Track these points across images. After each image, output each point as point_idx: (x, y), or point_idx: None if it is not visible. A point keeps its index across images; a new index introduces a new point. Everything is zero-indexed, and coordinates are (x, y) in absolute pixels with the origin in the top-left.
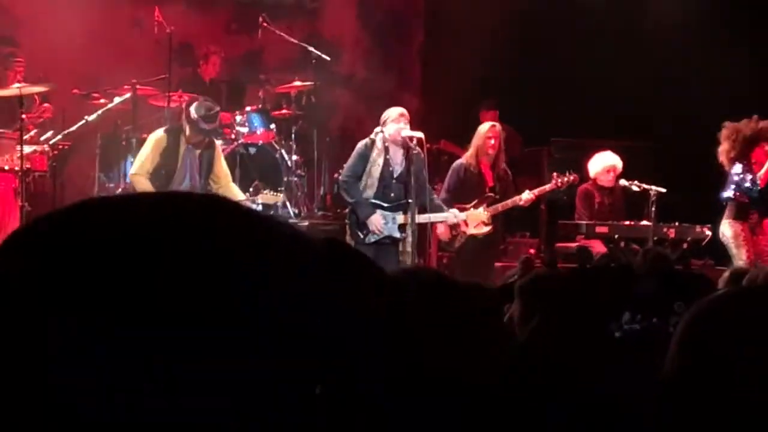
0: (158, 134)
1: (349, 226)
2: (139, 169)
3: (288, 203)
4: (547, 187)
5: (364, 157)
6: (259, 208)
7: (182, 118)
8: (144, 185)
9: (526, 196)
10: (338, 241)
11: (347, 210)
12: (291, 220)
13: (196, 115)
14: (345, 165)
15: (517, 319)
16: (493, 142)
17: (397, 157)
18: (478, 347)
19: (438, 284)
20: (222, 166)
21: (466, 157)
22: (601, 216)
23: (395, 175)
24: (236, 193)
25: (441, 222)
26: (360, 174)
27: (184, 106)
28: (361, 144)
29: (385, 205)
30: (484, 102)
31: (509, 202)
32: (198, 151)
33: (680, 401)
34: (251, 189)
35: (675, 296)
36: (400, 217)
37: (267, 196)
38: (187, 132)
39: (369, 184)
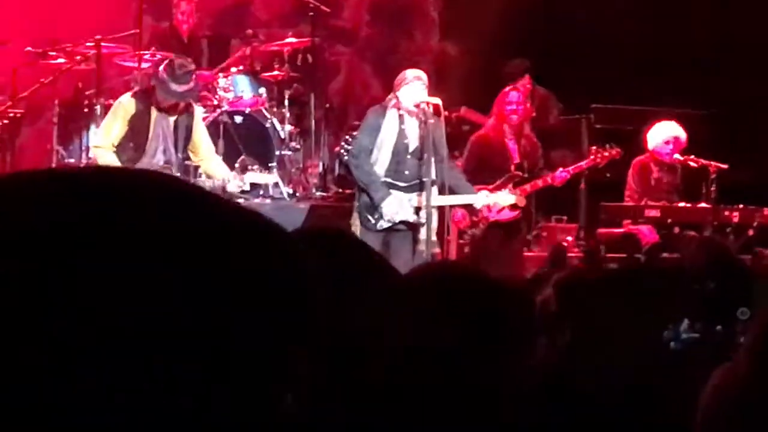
0: (125, 99)
1: (358, 209)
2: (103, 141)
3: (281, 182)
4: (584, 163)
5: (376, 127)
6: (247, 187)
7: (154, 83)
8: (109, 159)
9: (560, 174)
10: (341, 233)
11: (355, 189)
12: (284, 202)
13: (165, 75)
14: (353, 137)
15: (553, 321)
16: (513, 107)
17: (413, 128)
18: (508, 351)
19: (466, 281)
20: (202, 136)
21: (487, 129)
22: (657, 196)
23: (410, 150)
24: (219, 170)
25: (464, 206)
26: (371, 148)
27: (153, 66)
28: (371, 112)
29: (399, 184)
30: (511, 66)
31: (539, 182)
32: (172, 119)
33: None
34: (237, 165)
35: (739, 299)
36: (415, 199)
37: (256, 175)
38: (158, 96)
39: (380, 160)
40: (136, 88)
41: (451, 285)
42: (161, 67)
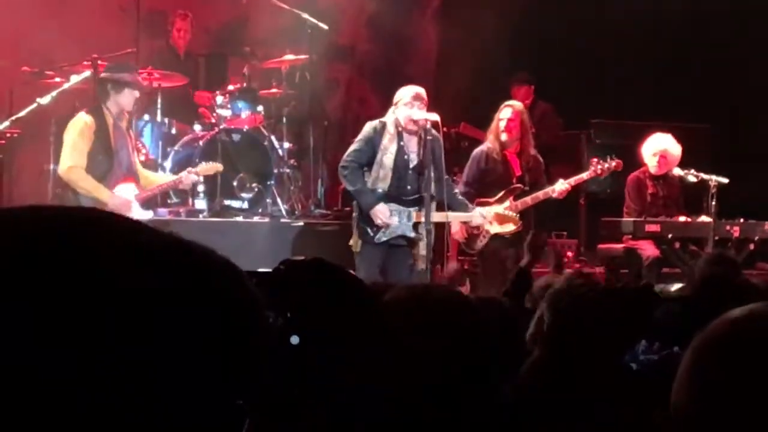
0: (83, 116)
1: (357, 224)
2: (75, 160)
3: (279, 199)
4: (585, 175)
5: (371, 141)
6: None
7: (104, 92)
8: (83, 176)
9: (560, 186)
10: (321, 263)
11: (354, 203)
12: (282, 220)
13: (117, 75)
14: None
15: (546, 331)
16: (504, 124)
17: (412, 144)
18: (490, 366)
19: (449, 307)
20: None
21: (487, 143)
22: (654, 210)
23: (411, 165)
24: (158, 176)
25: (462, 221)
26: (364, 161)
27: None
28: (368, 127)
29: (402, 199)
30: (517, 75)
31: (540, 194)
32: (124, 126)
33: None
34: (235, 183)
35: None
36: (414, 214)
37: (205, 168)
38: (121, 101)
39: (381, 176)
40: (86, 108)
41: (432, 310)
42: (109, 73)
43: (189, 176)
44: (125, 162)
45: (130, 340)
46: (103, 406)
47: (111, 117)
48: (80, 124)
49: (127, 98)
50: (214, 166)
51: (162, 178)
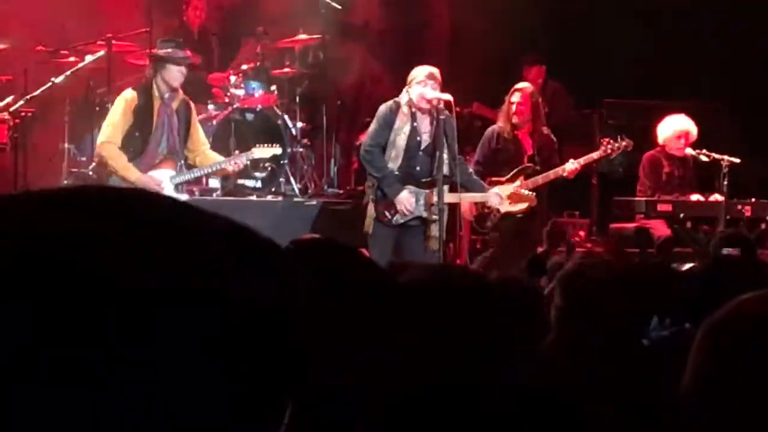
0: (127, 92)
1: (375, 204)
2: (110, 136)
3: (292, 179)
4: (595, 155)
5: (389, 122)
6: (258, 184)
7: (152, 69)
8: (115, 154)
9: (570, 166)
10: (332, 243)
11: (367, 185)
12: (296, 199)
13: (168, 50)
14: (366, 133)
15: (556, 313)
16: (515, 108)
17: (425, 124)
18: (514, 348)
19: (470, 286)
20: (198, 130)
21: (499, 123)
22: (669, 190)
23: (422, 146)
24: (216, 156)
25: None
26: (384, 143)
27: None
28: (384, 108)
29: (413, 180)
30: (528, 55)
31: (551, 174)
32: (174, 108)
33: (702, 421)
34: (248, 163)
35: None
36: (427, 195)
37: (261, 150)
38: (167, 75)
39: (393, 156)
40: (136, 84)
41: (450, 291)
42: (160, 46)
43: (241, 158)
44: (165, 142)
45: (130, 341)
46: (103, 407)
47: (160, 95)
48: (122, 100)
49: (171, 74)
50: (271, 149)
51: (221, 157)
